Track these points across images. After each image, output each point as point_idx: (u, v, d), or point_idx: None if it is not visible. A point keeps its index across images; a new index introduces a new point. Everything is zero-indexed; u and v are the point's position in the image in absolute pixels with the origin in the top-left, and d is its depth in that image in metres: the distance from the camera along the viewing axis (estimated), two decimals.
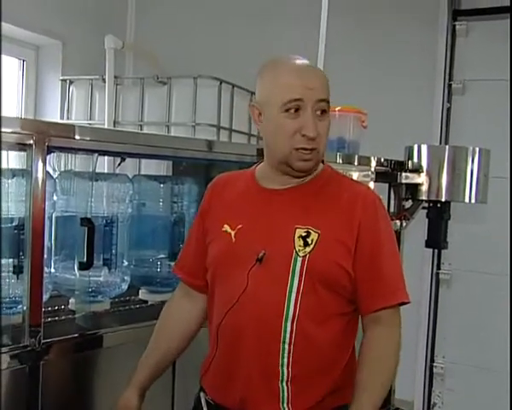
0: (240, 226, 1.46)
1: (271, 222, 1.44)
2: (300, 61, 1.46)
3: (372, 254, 1.41)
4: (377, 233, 1.43)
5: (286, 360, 1.39)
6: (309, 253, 1.38)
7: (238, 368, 1.43)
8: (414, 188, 2.66)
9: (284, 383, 1.40)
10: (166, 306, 1.67)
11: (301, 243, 1.39)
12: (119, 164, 2.14)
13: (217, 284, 1.50)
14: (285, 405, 1.40)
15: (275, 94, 1.41)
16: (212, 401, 1.50)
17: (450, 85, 3.65)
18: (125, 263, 2.17)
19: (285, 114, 1.40)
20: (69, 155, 2.03)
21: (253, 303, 1.40)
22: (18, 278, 1.71)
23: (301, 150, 1.40)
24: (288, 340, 1.38)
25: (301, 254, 1.39)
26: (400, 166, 2.64)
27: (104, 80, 2.91)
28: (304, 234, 1.40)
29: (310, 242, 1.39)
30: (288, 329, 1.38)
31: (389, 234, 1.47)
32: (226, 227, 1.48)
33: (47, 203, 1.66)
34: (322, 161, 1.53)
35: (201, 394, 1.53)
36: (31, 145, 1.57)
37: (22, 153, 1.61)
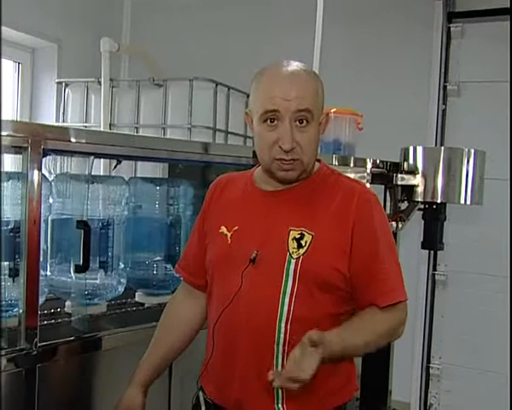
0: (236, 228, 1.47)
1: (266, 224, 1.44)
2: (287, 68, 1.42)
3: (368, 254, 1.41)
4: (372, 232, 1.42)
5: (280, 361, 1.38)
6: (302, 255, 1.38)
7: (233, 368, 1.44)
8: (409, 189, 2.66)
9: None
10: (169, 304, 1.68)
11: (295, 245, 1.39)
12: (115, 166, 2.14)
13: (214, 284, 1.51)
14: (280, 405, 1.40)
15: (256, 103, 1.42)
16: (211, 400, 1.50)
17: (445, 87, 3.66)
18: (122, 266, 2.16)
19: (264, 124, 1.40)
20: (65, 157, 2.03)
21: (247, 304, 1.40)
22: (14, 281, 1.71)
23: (281, 161, 1.40)
24: (282, 341, 1.38)
25: (295, 256, 1.39)
26: (396, 167, 2.64)
27: (100, 83, 2.91)
28: (298, 236, 1.40)
29: (303, 244, 1.39)
30: (282, 330, 1.38)
31: (385, 232, 1.46)
32: (223, 229, 1.49)
33: (43, 206, 1.66)
34: (319, 160, 1.53)
35: (200, 393, 1.54)
36: (26, 148, 1.57)
37: (18, 156, 1.61)
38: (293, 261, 1.38)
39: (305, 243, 1.39)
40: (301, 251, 1.39)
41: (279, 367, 1.38)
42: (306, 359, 1.25)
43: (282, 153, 1.38)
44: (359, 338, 1.39)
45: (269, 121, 1.39)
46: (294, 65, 1.43)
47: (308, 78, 1.43)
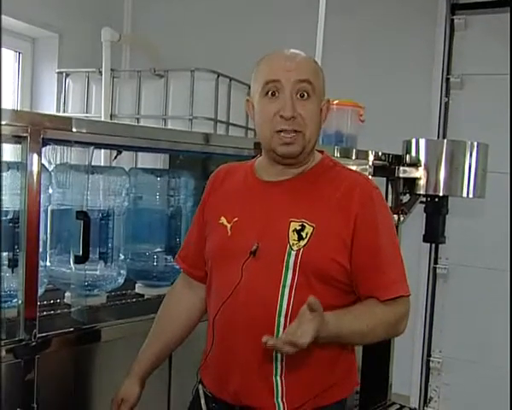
0: (236, 219, 1.46)
1: (267, 215, 1.43)
2: (287, 50, 1.45)
3: (369, 246, 1.39)
4: (374, 225, 1.40)
5: (280, 354, 1.37)
6: (303, 247, 1.37)
7: (233, 361, 1.43)
8: (412, 182, 2.66)
9: (278, 377, 1.39)
10: (168, 295, 1.67)
11: (295, 236, 1.38)
12: (116, 157, 2.13)
13: (213, 276, 1.50)
14: (279, 399, 1.40)
15: (256, 81, 1.44)
16: (210, 393, 1.50)
17: (448, 80, 3.64)
18: (122, 257, 2.15)
19: (265, 98, 1.41)
20: (65, 147, 2.02)
21: (247, 297, 1.39)
22: (13, 272, 1.70)
23: (282, 133, 1.39)
24: (281, 334, 1.35)
25: (295, 248, 1.37)
26: (398, 160, 2.64)
27: (101, 73, 2.89)
28: (298, 228, 1.38)
29: (304, 235, 1.37)
30: (282, 324, 1.36)
31: (387, 226, 1.45)
32: (223, 220, 1.47)
33: (42, 196, 1.64)
34: (322, 152, 1.52)
35: (199, 386, 1.53)
36: (26, 138, 1.55)
37: (17, 145, 1.60)
38: (293, 253, 1.37)
39: (306, 234, 1.37)
40: (302, 243, 1.37)
41: (278, 361, 1.38)
42: (305, 324, 1.23)
43: (283, 123, 1.38)
44: (357, 325, 1.37)
45: (270, 94, 1.40)
46: (295, 50, 1.46)
47: (307, 57, 1.47)
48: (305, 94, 1.39)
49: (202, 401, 1.51)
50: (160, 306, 1.65)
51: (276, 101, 1.39)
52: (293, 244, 1.37)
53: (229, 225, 1.46)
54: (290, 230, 1.38)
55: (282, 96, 1.38)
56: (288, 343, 1.23)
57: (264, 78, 1.41)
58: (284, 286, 1.37)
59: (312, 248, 1.37)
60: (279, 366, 1.38)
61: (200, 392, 1.52)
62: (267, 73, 1.41)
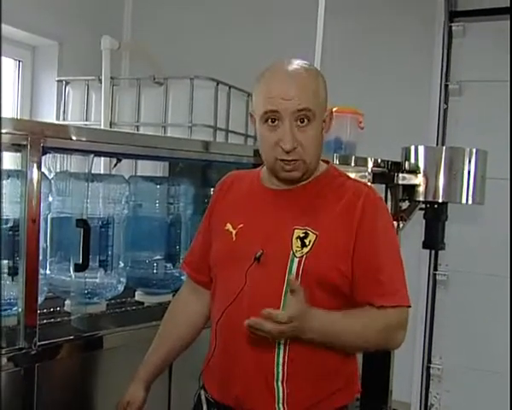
0: (241, 226, 1.47)
1: (271, 222, 1.44)
2: (287, 68, 1.41)
3: (370, 255, 1.39)
4: (374, 234, 1.41)
5: (281, 359, 1.38)
6: (306, 254, 1.38)
7: (235, 366, 1.43)
8: (411, 189, 2.66)
9: (280, 383, 1.39)
10: (173, 301, 1.69)
11: (299, 243, 1.39)
12: (115, 165, 2.14)
13: (218, 282, 1.51)
14: (280, 405, 1.39)
15: (257, 104, 1.43)
16: (212, 398, 1.50)
17: (446, 86, 3.65)
18: (121, 264, 2.16)
19: (265, 125, 1.40)
20: (65, 155, 2.02)
21: (250, 303, 1.39)
22: (13, 280, 1.70)
23: (283, 161, 1.40)
24: (283, 340, 1.37)
25: (298, 255, 1.38)
26: (397, 167, 2.64)
27: (100, 81, 2.90)
28: (302, 235, 1.39)
29: (307, 243, 1.38)
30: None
31: (388, 236, 1.45)
32: (228, 226, 1.49)
33: (42, 204, 1.65)
34: (327, 162, 1.53)
35: (201, 391, 1.54)
36: (25, 146, 1.56)
37: (17, 154, 1.60)
38: (296, 260, 1.38)
39: (309, 242, 1.38)
40: (305, 250, 1.38)
41: (280, 366, 1.38)
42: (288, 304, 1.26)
43: (284, 153, 1.38)
44: (349, 324, 1.36)
45: (270, 121, 1.39)
46: (295, 64, 1.42)
47: (308, 76, 1.42)
48: (306, 120, 1.39)
49: (204, 408, 1.51)
50: (166, 311, 1.66)
51: (276, 130, 1.38)
52: (296, 251, 1.38)
53: (234, 231, 1.47)
54: (294, 237, 1.40)
55: (282, 126, 1.38)
56: (267, 319, 1.24)
57: (263, 106, 1.39)
58: (286, 293, 1.36)
59: (315, 255, 1.38)
60: (280, 371, 1.39)
61: (203, 397, 1.52)
62: (266, 101, 1.38)
